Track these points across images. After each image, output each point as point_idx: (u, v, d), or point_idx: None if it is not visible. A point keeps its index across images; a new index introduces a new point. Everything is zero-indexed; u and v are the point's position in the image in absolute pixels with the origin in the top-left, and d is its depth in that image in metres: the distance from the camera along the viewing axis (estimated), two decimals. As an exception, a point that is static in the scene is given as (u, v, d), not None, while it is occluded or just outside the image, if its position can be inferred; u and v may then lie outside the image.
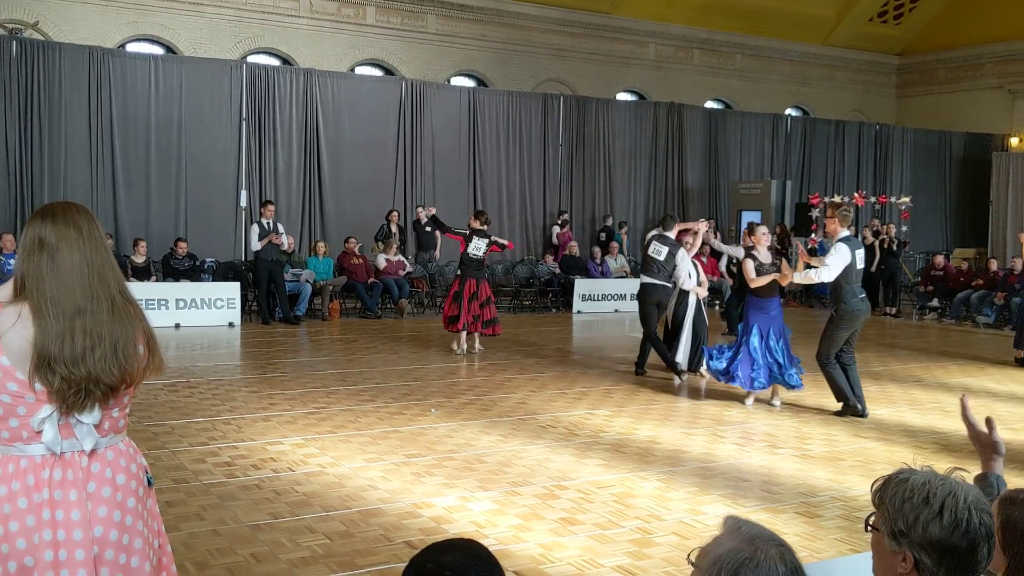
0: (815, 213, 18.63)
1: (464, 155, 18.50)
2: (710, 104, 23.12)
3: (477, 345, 11.38)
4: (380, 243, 15.70)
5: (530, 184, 19.32)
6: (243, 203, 16.18)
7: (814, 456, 6.83)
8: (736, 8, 22.18)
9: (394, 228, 16.03)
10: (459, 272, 11.27)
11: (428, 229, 15.75)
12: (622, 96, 21.99)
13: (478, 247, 11.03)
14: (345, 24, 18.69)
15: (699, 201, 21.43)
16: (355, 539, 4.80)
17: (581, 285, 16.63)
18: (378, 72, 19.28)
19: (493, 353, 11.33)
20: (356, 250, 15.27)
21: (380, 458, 6.36)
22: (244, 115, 16.29)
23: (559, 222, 19.00)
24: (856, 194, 19.50)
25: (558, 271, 17.43)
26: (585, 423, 7.68)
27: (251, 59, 17.55)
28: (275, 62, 17.95)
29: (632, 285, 16.33)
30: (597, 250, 18.00)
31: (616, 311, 16.52)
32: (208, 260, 14.97)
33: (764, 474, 6.29)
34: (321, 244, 15.41)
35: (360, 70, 19.00)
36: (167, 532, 4.62)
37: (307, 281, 14.44)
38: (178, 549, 4.48)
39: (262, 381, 9.23)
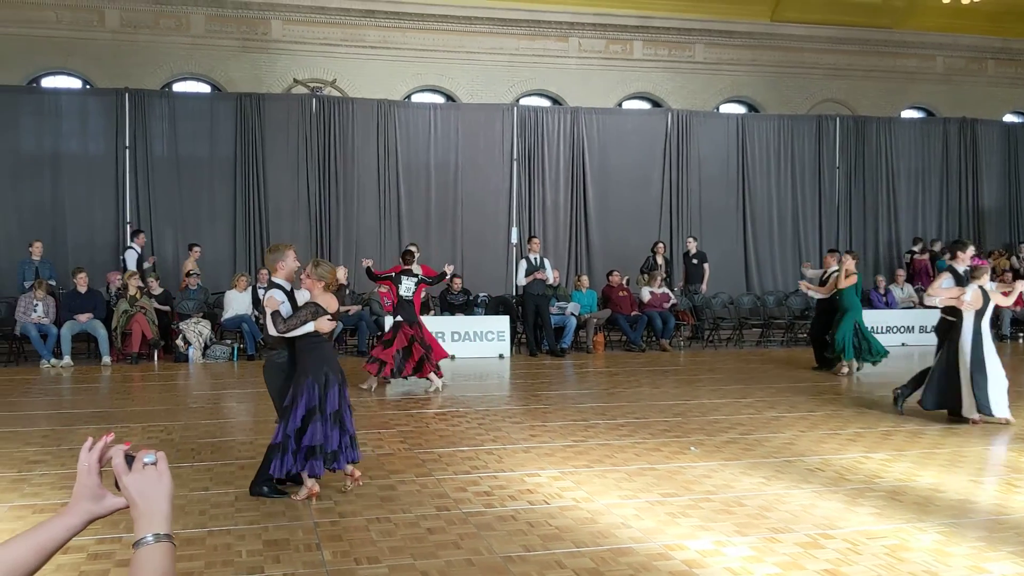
0: None
1: (732, 183, 18.12)
2: (1009, 117, 21.04)
3: (436, 385, 10.76)
4: (645, 275, 15.66)
5: (803, 210, 18.54)
6: (514, 239, 16.84)
7: None
8: (1037, 11, 20.08)
9: (660, 260, 15.93)
10: (396, 318, 10.85)
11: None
12: (907, 113, 20.56)
13: (408, 288, 10.77)
14: (613, 60, 18.99)
15: (997, 223, 19.54)
16: (603, 578, 4.75)
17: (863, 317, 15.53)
18: (646, 105, 19.38)
19: (759, 389, 10.90)
20: (622, 283, 15.33)
21: (635, 495, 6.28)
22: (515, 155, 17.01)
23: (915, 249, 17.99)
24: None
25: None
26: (859, 467, 7.14)
27: (522, 101, 18.30)
28: (545, 102, 18.58)
29: (921, 316, 15.15)
30: (881, 279, 16.83)
31: (903, 344, 15.34)
32: (481, 295, 15.66)
33: (1069, 533, 5.52)
34: (584, 278, 15.62)
35: (628, 104, 19.20)
36: (426, 559, 4.84)
37: (572, 314, 14.69)
38: (432, 576, 4.68)
39: (526, 412, 9.48)
